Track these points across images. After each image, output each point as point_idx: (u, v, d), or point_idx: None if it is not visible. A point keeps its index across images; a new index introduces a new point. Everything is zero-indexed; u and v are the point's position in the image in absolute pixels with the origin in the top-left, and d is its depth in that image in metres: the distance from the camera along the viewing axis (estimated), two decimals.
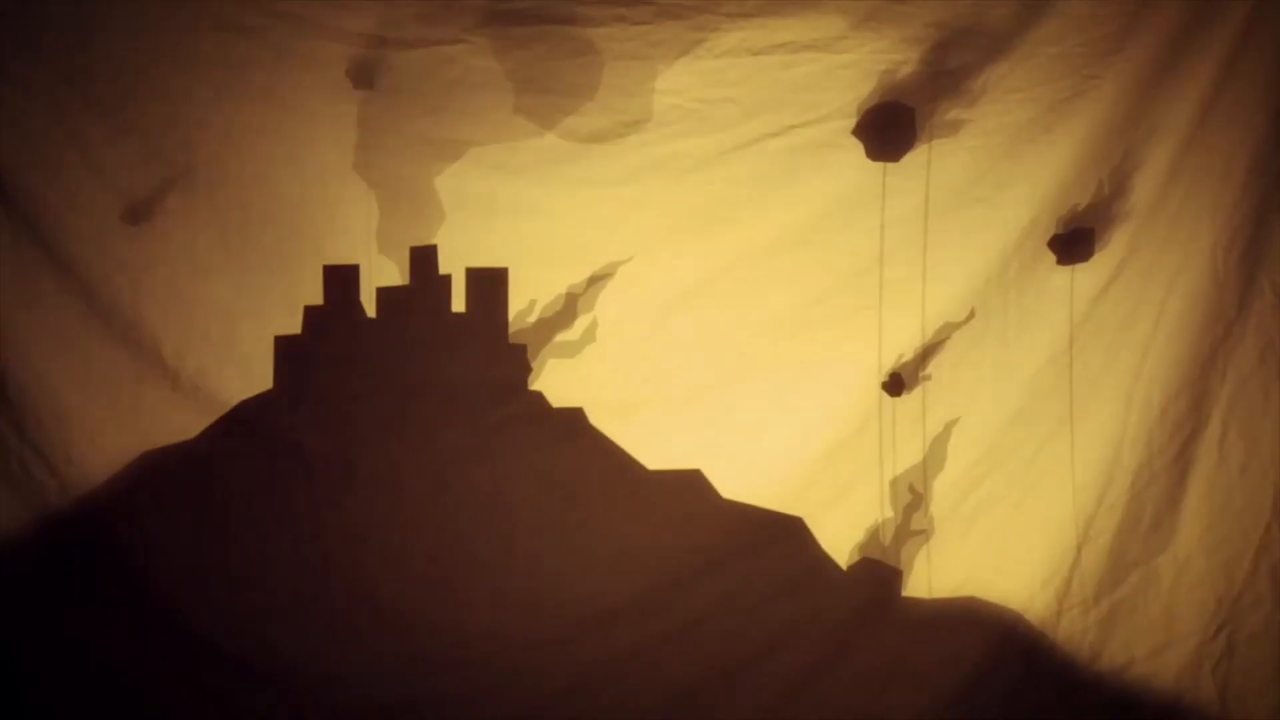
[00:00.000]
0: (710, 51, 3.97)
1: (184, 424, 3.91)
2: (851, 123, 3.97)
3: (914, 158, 3.97)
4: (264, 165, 3.93)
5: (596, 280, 3.99)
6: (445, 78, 3.95)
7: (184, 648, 3.84)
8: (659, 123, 3.98)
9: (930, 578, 4.01)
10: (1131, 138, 3.98)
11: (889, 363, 4.02)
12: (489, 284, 3.97)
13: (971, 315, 4.02)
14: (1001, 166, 3.98)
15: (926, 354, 4.02)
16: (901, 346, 4.02)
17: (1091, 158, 3.98)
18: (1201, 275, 4.00)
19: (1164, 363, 4.01)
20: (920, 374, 4.02)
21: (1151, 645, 3.98)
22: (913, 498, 4.01)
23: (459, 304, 3.97)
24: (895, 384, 4.01)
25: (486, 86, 3.95)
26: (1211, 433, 4.01)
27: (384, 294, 3.95)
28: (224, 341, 3.94)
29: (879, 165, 3.97)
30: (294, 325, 3.96)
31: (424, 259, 3.95)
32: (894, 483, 4.02)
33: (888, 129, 3.95)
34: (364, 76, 3.90)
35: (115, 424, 3.89)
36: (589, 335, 4.00)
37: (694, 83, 3.97)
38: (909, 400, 4.02)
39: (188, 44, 3.89)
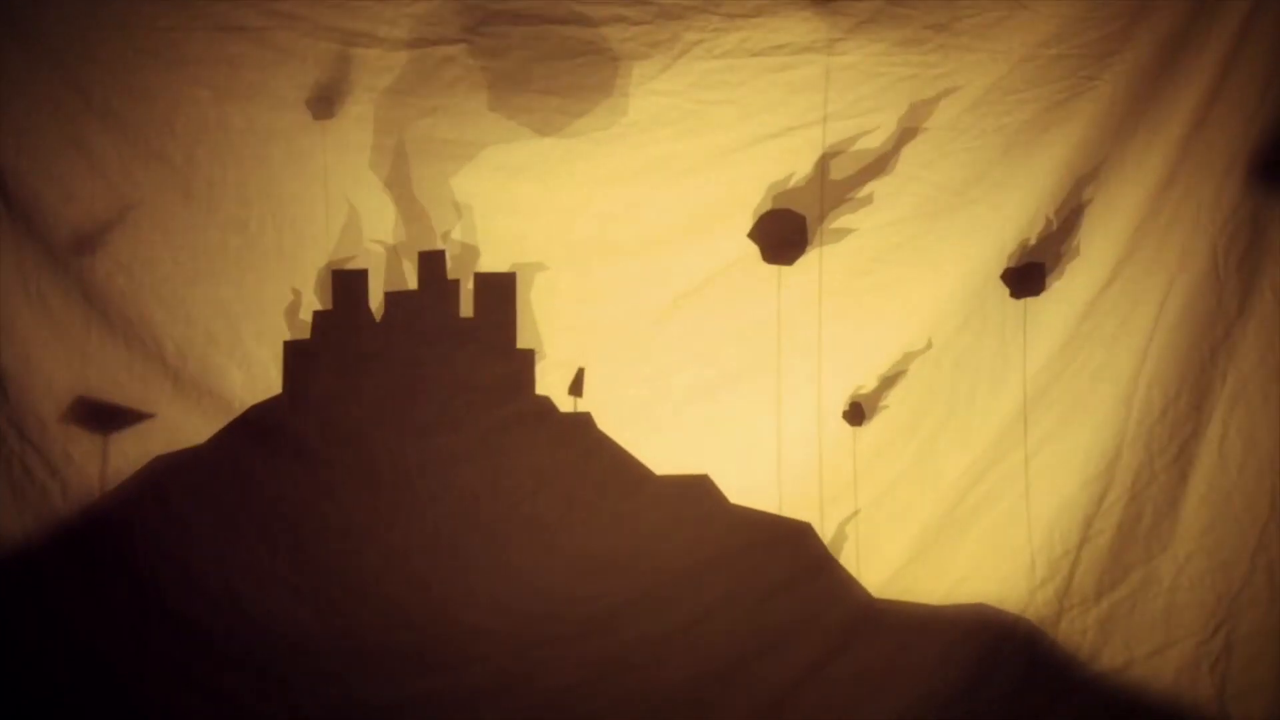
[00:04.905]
0: (710, 52, 3.97)
1: (185, 423, 3.92)
2: (852, 123, 3.97)
3: (859, 174, 3.99)
4: (263, 165, 3.94)
5: (597, 280, 3.99)
6: (445, 77, 3.95)
7: (185, 648, 3.84)
8: (659, 123, 3.98)
9: (929, 576, 4.01)
10: (1129, 138, 3.97)
11: (892, 357, 4.04)
12: (497, 288, 3.97)
13: (968, 316, 4.03)
14: (999, 167, 3.98)
15: (910, 362, 4.03)
16: (898, 345, 4.04)
17: (1089, 158, 3.98)
18: (1201, 276, 4.00)
19: (1164, 363, 4.01)
20: (908, 374, 4.03)
21: (1151, 645, 3.98)
22: (909, 498, 4.02)
23: (466, 307, 3.96)
24: (855, 413, 4.00)
25: (486, 86, 3.95)
26: (1211, 433, 4.01)
27: (392, 298, 3.95)
28: (226, 340, 3.94)
29: (878, 166, 3.98)
30: (295, 325, 3.96)
31: (432, 263, 3.95)
32: (891, 482, 4.02)
33: (781, 235, 3.97)
34: (324, 108, 3.90)
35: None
36: (589, 335, 4.00)
37: (694, 83, 3.98)
38: (907, 398, 4.03)
39: (187, 44, 3.89)
